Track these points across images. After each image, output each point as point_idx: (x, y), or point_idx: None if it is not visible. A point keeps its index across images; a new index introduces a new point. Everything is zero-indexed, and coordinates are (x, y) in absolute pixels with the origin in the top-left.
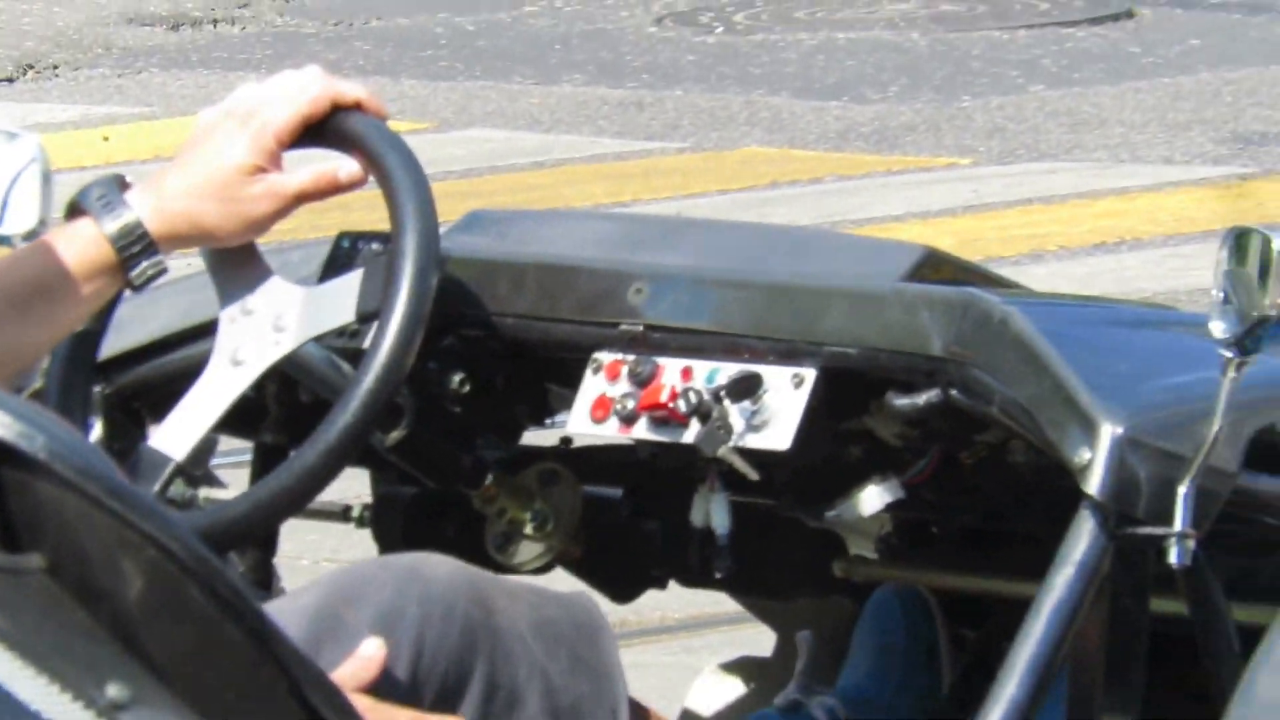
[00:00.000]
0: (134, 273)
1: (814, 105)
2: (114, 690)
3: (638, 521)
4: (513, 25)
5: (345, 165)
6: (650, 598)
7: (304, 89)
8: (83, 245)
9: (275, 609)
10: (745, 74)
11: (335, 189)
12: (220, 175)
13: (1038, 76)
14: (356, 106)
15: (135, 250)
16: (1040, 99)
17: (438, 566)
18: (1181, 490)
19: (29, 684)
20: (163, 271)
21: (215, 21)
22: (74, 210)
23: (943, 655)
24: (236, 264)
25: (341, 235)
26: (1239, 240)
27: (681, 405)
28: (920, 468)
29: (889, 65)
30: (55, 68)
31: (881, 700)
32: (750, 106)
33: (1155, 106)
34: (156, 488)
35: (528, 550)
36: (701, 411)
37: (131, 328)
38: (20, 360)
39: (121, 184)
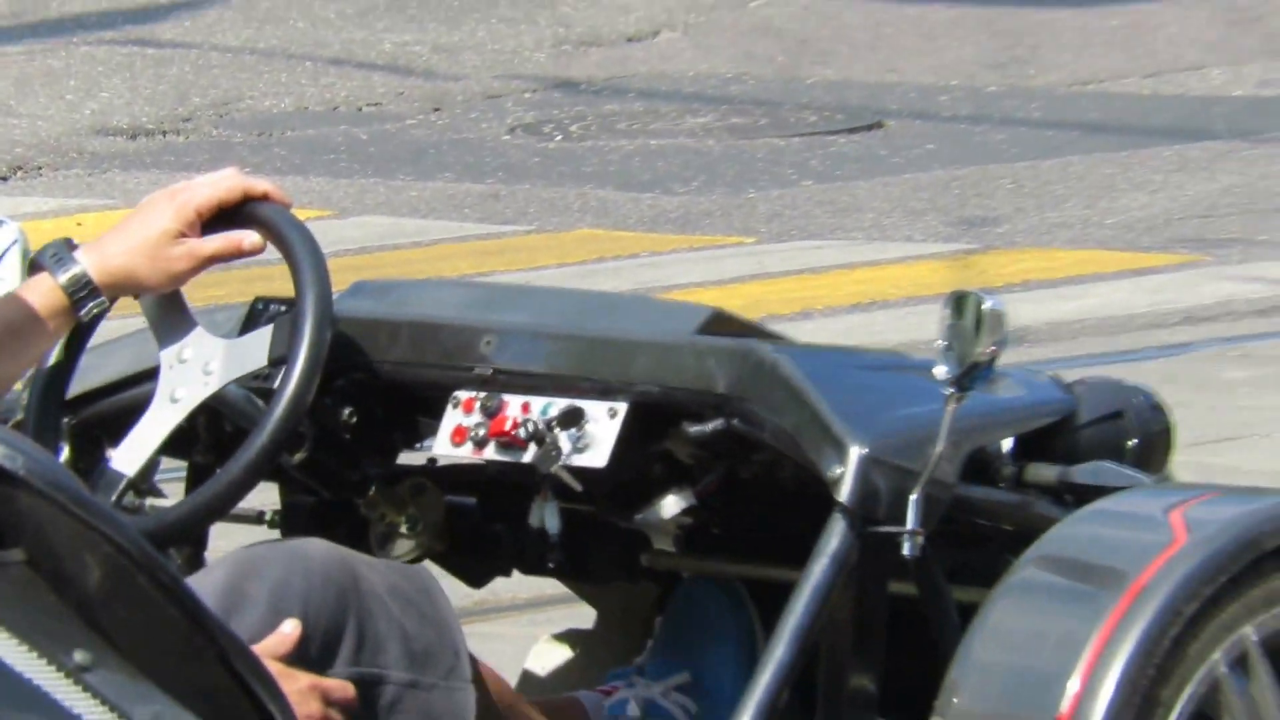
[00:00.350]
0: (82, 312)
1: (632, 196)
2: (79, 656)
3: (488, 524)
4: (397, 135)
5: (248, 236)
6: (500, 583)
7: (222, 179)
8: (42, 293)
9: (193, 582)
10: (578, 172)
11: (239, 253)
12: (150, 237)
13: (808, 174)
14: (265, 196)
15: (82, 295)
16: (810, 191)
17: (316, 546)
18: (912, 498)
19: (13, 652)
20: (105, 311)
21: (164, 132)
22: (34, 266)
23: (758, 633)
24: (173, 322)
25: (257, 299)
26: (958, 301)
27: (522, 432)
28: (708, 481)
29: (691, 165)
30: (39, 169)
31: (696, 667)
32: (582, 197)
33: (900, 197)
34: (113, 498)
35: (402, 546)
36: (537, 437)
37: (92, 373)
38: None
39: (70, 245)
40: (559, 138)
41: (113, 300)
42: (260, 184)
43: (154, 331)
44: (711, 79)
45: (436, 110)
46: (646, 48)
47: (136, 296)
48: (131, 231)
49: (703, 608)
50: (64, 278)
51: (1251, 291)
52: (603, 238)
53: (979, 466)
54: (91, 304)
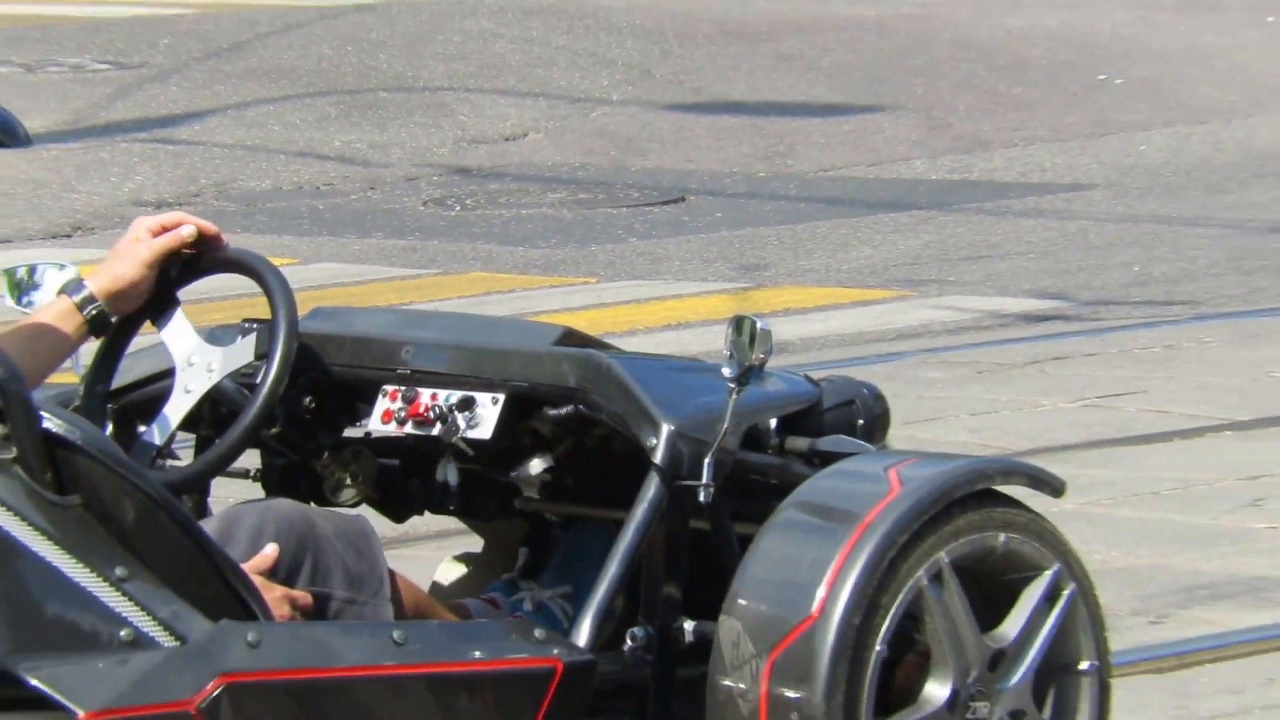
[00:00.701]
0: (90, 319)
1: (509, 249)
2: (119, 571)
3: (407, 479)
4: (344, 206)
5: (186, 228)
6: (415, 520)
7: (168, 215)
8: (61, 310)
9: (202, 525)
10: (471, 232)
11: (181, 241)
12: (120, 248)
13: (633, 234)
14: (202, 234)
15: (89, 307)
16: (635, 246)
17: (282, 503)
18: (706, 461)
19: (73, 568)
20: (107, 316)
21: (180, 204)
22: (60, 292)
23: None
24: (183, 337)
25: (244, 319)
26: (738, 322)
27: (431, 414)
28: (562, 449)
29: (550, 228)
30: (92, 229)
31: (576, 583)
32: (475, 250)
33: (697, 250)
34: (146, 461)
35: (347, 494)
36: (441, 418)
37: (127, 373)
38: (34, 380)
39: (80, 280)
40: (458, 209)
41: (114, 306)
42: (201, 222)
43: (169, 344)
44: (564, 167)
45: (371, 189)
46: (519, 145)
47: (154, 321)
48: (112, 254)
49: (582, 542)
50: (77, 298)
51: (945, 317)
52: (489, 279)
53: (753, 438)
54: (91, 308)
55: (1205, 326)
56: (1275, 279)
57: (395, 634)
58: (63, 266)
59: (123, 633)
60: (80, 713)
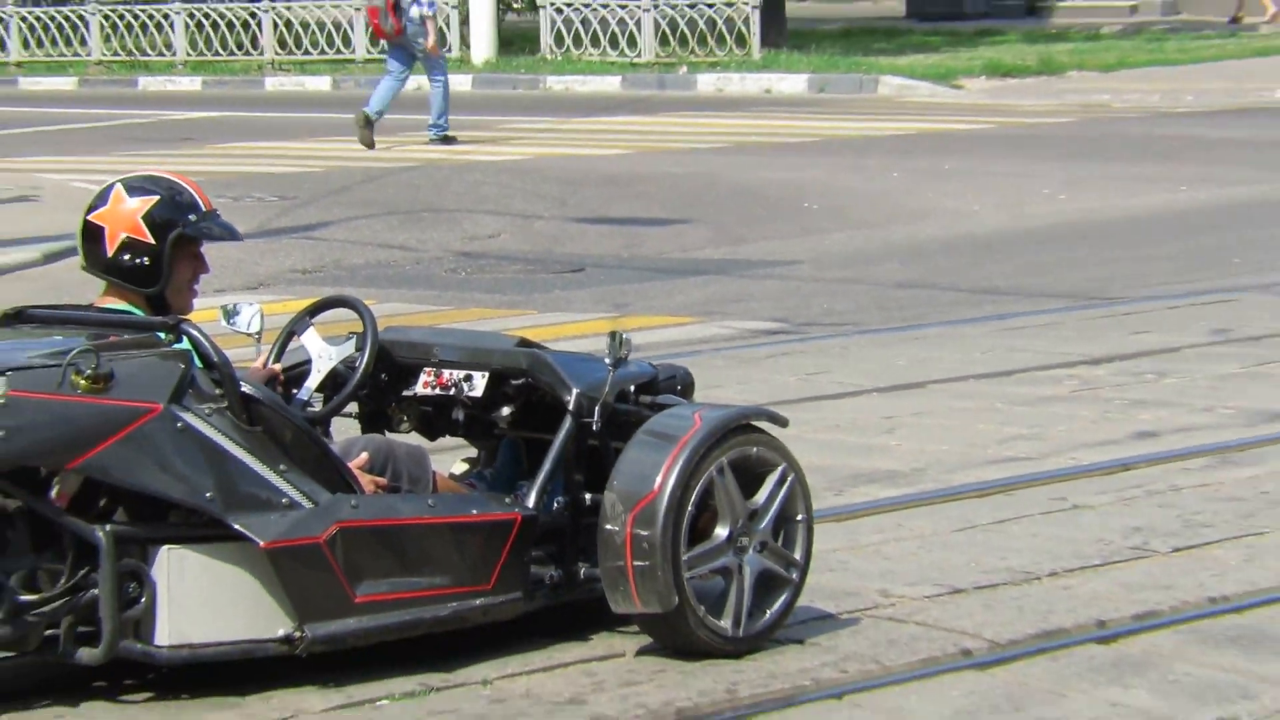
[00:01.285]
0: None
1: (491, 296)
2: (282, 466)
3: (437, 418)
4: (402, 273)
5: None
6: (443, 440)
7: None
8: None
9: (328, 444)
10: (471, 287)
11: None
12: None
13: (556, 288)
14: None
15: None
16: (557, 295)
17: (374, 435)
18: (596, 409)
19: (258, 465)
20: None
21: (314, 272)
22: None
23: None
24: (315, 343)
25: (350, 332)
26: (613, 335)
27: (449, 383)
28: (518, 402)
29: (513, 285)
30: (269, 284)
31: (510, 478)
32: (472, 297)
33: (592, 297)
34: (298, 409)
35: (403, 427)
36: (455, 385)
37: (288, 359)
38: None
39: (262, 310)
40: (463, 274)
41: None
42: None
43: (308, 346)
44: (520, 252)
45: (417, 263)
46: (496, 240)
47: (298, 334)
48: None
49: (516, 452)
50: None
51: (723, 332)
52: (481, 312)
53: (622, 396)
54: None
55: (862, 338)
56: (881, 311)
57: (429, 500)
58: (251, 304)
59: (284, 500)
60: (260, 542)
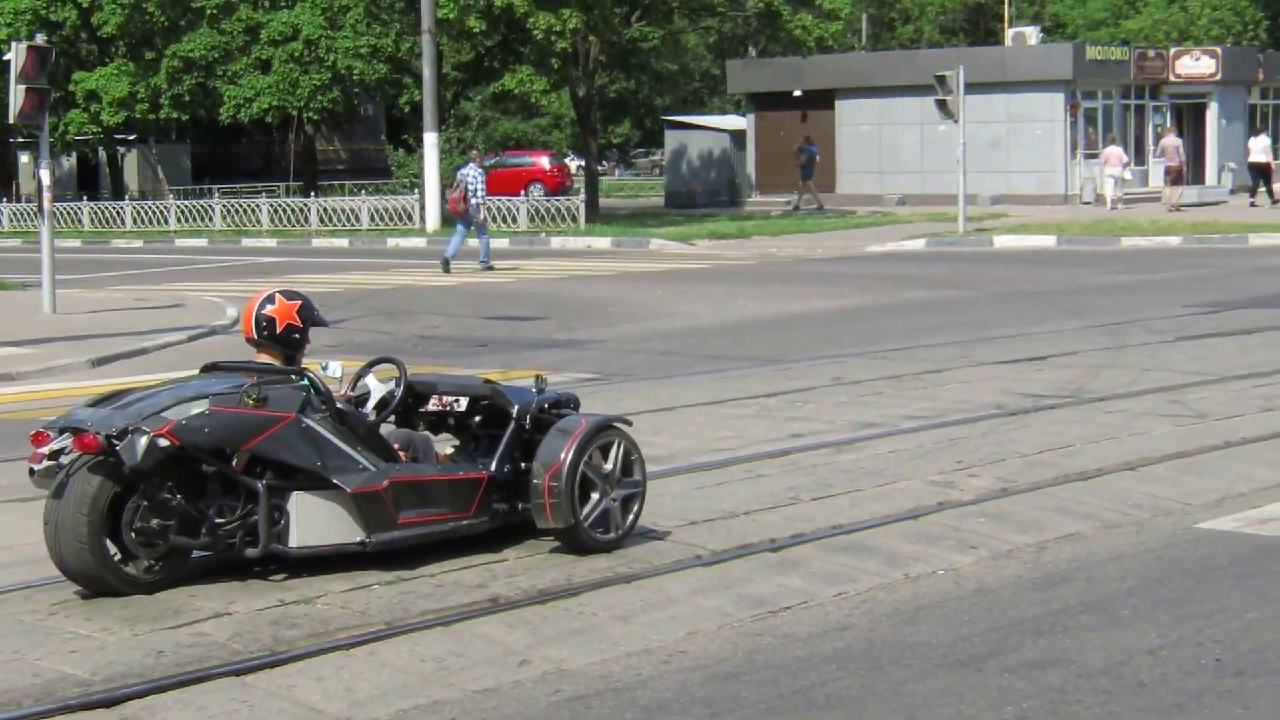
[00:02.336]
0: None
1: (453, 360)
2: (359, 446)
3: (437, 422)
4: (409, 348)
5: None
6: (443, 435)
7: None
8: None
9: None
10: (443, 354)
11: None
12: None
13: (486, 356)
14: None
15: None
16: (492, 359)
17: (405, 429)
18: (528, 416)
19: (343, 444)
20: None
21: (366, 342)
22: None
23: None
24: (372, 383)
25: (393, 376)
26: (536, 378)
27: (446, 403)
28: (483, 413)
29: (454, 352)
30: (333, 352)
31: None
32: (441, 362)
33: (519, 362)
34: (369, 417)
35: (420, 426)
36: (450, 405)
37: (356, 391)
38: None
39: (342, 365)
40: (447, 346)
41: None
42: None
43: (369, 384)
44: (465, 339)
45: (422, 338)
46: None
47: (362, 377)
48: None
49: (490, 441)
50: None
51: (581, 376)
52: (434, 368)
53: (541, 409)
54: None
55: (641, 383)
56: (651, 368)
57: (435, 469)
58: (336, 360)
59: (359, 466)
60: (348, 489)
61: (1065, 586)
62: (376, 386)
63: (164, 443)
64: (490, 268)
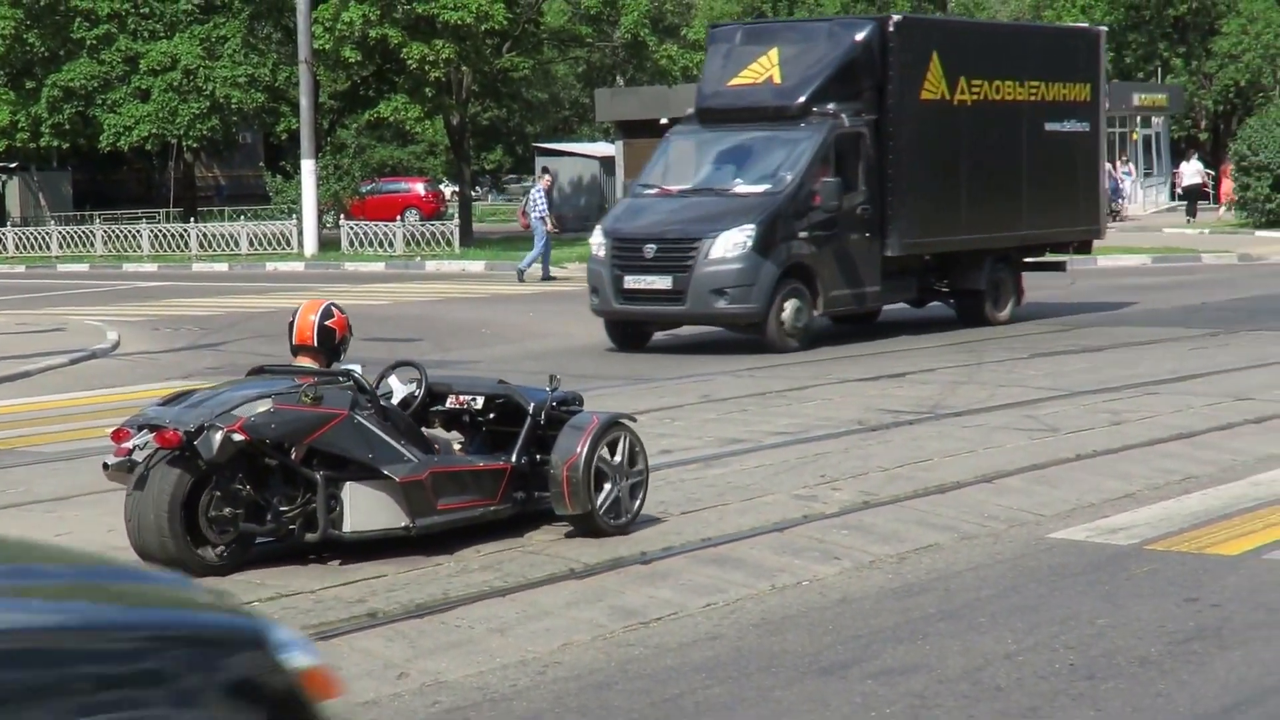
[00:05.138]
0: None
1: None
2: (401, 439)
3: (453, 421)
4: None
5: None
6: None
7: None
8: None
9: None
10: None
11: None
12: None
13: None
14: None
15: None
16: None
17: (436, 429)
18: (543, 413)
19: (383, 433)
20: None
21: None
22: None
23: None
24: (396, 384)
25: (411, 379)
26: (550, 378)
27: (463, 402)
28: (499, 410)
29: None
30: (188, 376)
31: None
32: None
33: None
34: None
35: (438, 425)
36: (466, 404)
37: (380, 390)
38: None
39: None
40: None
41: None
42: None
43: (393, 385)
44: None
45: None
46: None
47: (383, 378)
48: None
49: (506, 434)
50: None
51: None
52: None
53: (554, 407)
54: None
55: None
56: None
57: (466, 459)
58: (356, 365)
59: (404, 457)
60: (396, 479)
61: (925, 595)
62: (399, 387)
63: (237, 437)
64: (522, 279)
